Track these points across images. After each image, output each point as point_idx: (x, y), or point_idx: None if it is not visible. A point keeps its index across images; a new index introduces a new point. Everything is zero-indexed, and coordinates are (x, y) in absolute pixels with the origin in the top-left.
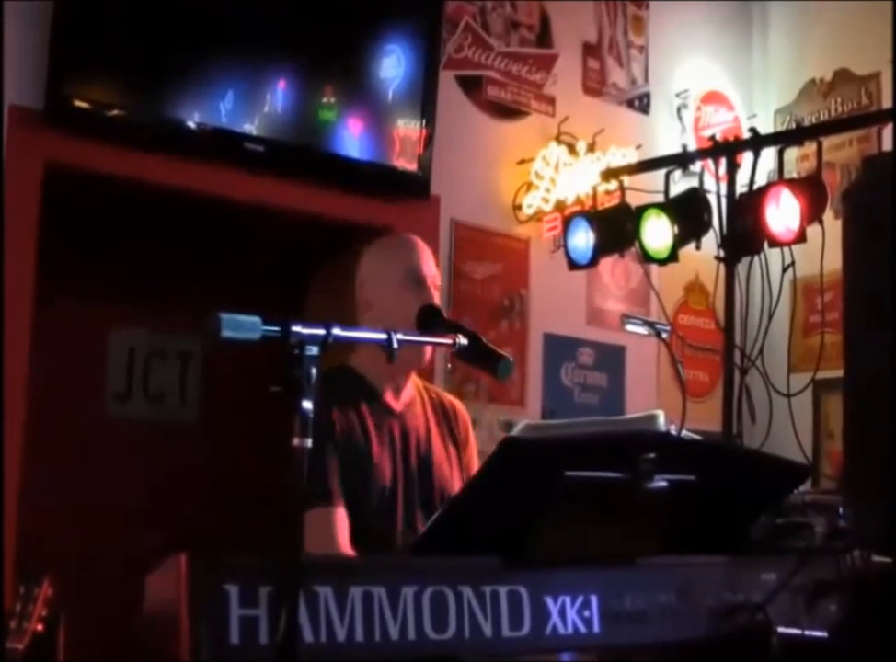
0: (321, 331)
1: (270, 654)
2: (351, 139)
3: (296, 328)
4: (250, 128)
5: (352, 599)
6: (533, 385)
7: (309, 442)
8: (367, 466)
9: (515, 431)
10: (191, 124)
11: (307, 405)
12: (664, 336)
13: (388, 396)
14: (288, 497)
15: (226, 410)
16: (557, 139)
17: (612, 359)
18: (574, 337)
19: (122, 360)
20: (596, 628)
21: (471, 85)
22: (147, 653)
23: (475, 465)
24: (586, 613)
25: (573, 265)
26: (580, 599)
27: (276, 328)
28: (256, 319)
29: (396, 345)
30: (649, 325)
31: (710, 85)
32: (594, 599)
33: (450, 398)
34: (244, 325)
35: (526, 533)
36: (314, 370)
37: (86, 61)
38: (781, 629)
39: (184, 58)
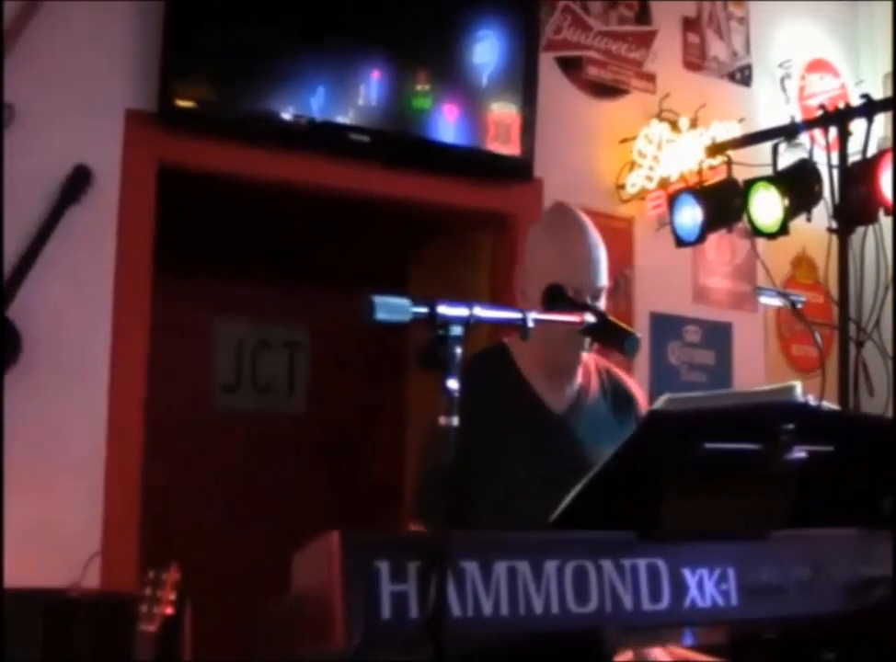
0: (465, 311)
1: (421, 628)
2: (447, 125)
3: (441, 309)
4: (348, 120)
5: (497, 574)
6: (640, 364)
7: (455, 421)
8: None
9: (657, 405)
10: (293, 118)
11: (452, 384)
12: (799, 306)
13: (547, 396)
14: (435, 475)
15: (333, 400)
16: (659, 116)
17: (718, 336)
18: (680, 316)
19: (231, 352)
20: (734, 601)
21: (571, 66)
22: (296, 631)
23: None
24: (723, 586)
25: (680, 242)
26: (717, 572)
27: (424, 310)
28: (406, 301)
29: (531, 324)
30: (783, 296)
31: (814, 53)
32: (731, 572)
33: (630, 385)
34: (395, 308)
35: (664, 506)
36: (458, 350)
37: (192, 62)
38: None
39: (282, 53)
